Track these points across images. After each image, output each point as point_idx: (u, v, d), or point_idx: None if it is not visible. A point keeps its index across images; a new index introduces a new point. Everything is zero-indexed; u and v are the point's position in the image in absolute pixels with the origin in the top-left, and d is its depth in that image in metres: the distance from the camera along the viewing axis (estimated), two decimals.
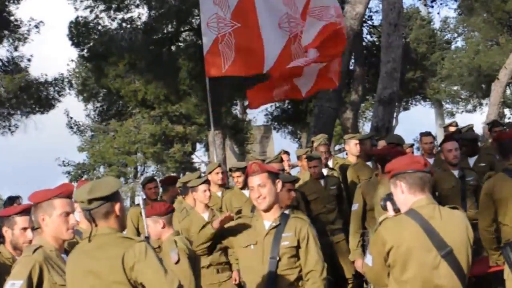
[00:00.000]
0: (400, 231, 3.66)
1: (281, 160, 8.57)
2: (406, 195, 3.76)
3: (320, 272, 4.60)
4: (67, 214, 3.99)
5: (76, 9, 17.20)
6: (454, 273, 3.65)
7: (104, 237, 3.55)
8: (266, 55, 8.38)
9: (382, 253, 3.70)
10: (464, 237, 3.72)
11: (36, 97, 19.42)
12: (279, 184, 4.65)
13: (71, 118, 25.14)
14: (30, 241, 4.42)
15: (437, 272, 3.64)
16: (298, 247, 4.61)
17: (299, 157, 9.16)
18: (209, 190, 7.08)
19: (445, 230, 3.66)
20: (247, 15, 8.35)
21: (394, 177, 3.81)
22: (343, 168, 8.85)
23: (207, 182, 7.14)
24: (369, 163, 8.51)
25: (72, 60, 24.35)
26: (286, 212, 5.10)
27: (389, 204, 3.95)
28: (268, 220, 4.66)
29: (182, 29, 17.67)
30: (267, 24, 8.33)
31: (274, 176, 4.64)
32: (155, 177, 10.89)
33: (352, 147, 9.04)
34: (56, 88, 20.15)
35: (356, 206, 7.04)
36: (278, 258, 4.56)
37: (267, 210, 4.63)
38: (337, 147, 24.70)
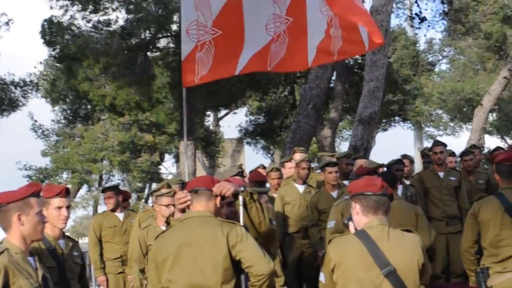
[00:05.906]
0: (343, 249, 3.79)
1: (239, 174, 8.10)
2: (360, 217, 3.86)
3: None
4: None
5: (51, 7, 16.49)
6: None
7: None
8: (241, 58, 7.92)
9: (329, 270, 3.81)
10: (411, 259, 3.75)
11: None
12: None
13: (36, 121, 24.39)
14: None
15: None
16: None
17: (267, 173, 8.83)
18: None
19: (390, 251, 3.72)
20: (231, 20, 7.87)
21: (351, 199, 3.93)
22: (320, 185, 8.67)
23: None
24: None
25: (41, 62, 23.33)
26: None
27: (351, 224, 4.08)
28: None
29: (160, 36, 17.03)
30: (254, 27, 7.89)
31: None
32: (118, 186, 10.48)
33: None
34: (22, 90, 19.42)
35: (332, 224, 6.77)
36: None
37: None
38: (312, 165, 24.15)
